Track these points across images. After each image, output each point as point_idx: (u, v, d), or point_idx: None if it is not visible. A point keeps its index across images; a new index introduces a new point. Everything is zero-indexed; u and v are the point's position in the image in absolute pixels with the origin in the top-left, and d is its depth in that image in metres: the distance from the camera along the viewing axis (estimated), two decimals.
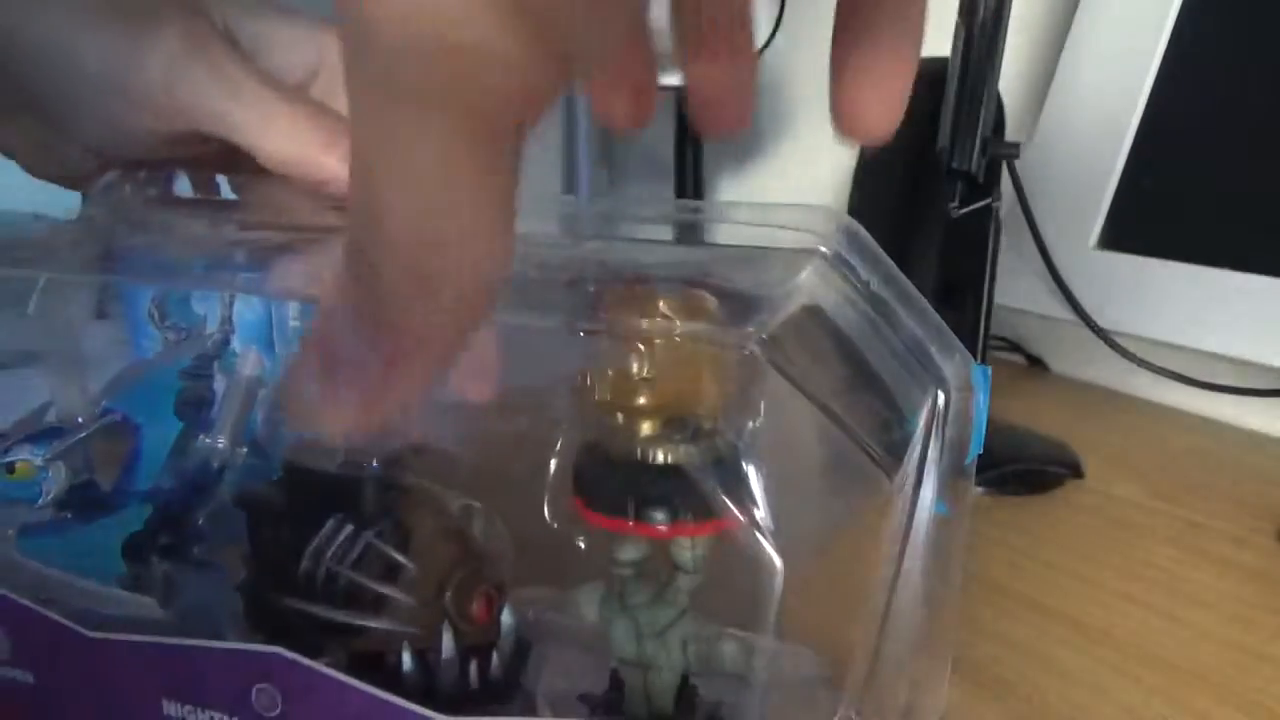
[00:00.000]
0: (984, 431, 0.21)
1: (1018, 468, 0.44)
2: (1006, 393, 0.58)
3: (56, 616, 0.22)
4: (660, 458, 0.19)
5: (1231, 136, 0.49)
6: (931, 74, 0.49)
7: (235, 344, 0.25)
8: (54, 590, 0.23)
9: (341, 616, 0.21)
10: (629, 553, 0.21)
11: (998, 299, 0.50)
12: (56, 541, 0.24)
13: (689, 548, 0.21)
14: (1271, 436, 0.54)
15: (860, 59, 0.18)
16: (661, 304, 0.18)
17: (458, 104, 0.10)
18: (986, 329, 0.49)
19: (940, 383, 0.21)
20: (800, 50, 0.82)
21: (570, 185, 0.91)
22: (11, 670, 0.24)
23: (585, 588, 0.22)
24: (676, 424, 0.20)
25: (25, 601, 0.23)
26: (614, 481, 0.20)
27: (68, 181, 0.27)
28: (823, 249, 0.20)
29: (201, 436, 0.24)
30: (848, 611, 0.21)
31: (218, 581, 0.24)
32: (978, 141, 0.44)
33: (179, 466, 0.24)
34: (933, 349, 0.21)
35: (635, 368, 0.19)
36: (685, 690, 0.22)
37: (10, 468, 0.23)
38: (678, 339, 0.18)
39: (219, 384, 0.25)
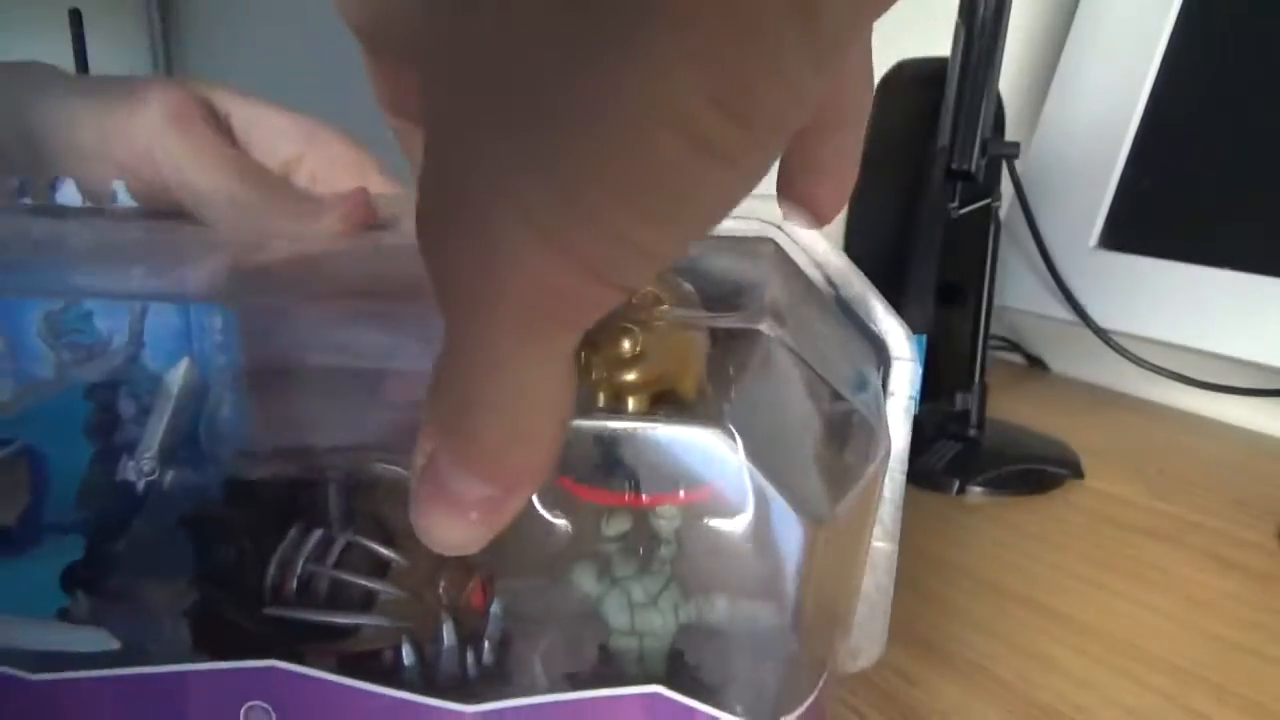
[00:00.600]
0: (919, 397, 0.23)
1: (1018, 468, 0.44)
2: (1006, 393, 0.58)
3: None
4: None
5: (1231, 136, 0.49)
6: (931, 74, 0.50)
7: (146, 359, 0.23)
8: None
9: (337, 618, 0.21)
10: (616, 527, 0.22)
11: (998, 299, 0.50)
12: None
13: (669, 518, 0.21)
14: (1271, 436, 0.54)
15: (808, 181, 0.20)
16: (650, 286, 0.20)
17: (556, 331, 0.12)
18: (986, 329, 0.49)
19: (883, 352, 0.22)
20: None
21: None
22: None
23: (578, 566, 0.22)
24: (663, 400, 0.20)
25: None
26: (602, 455, 0.20)
27: None
28: (773, 235, 0.22)
29: (125, 458, 0.22)
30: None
31: (142, 614, 0.22)
32: (978, 141, 0.44)
33: (97, 493, 0.22)
34: (875, 322, 0.22)
35: (626, 346, 0.19)
36: (674, 655, 0.22)
37: None
38: (679, 321, 0.20)
39: (126, 404, 0.23)
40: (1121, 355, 0.52)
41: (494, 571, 0.22)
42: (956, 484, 0.44)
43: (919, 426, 0.26)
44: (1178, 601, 0.34)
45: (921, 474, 0.45)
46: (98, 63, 0.61)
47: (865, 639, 0.24)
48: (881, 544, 0.23)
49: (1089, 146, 0.54)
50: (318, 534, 0.21)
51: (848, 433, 0.21)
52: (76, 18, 0.62)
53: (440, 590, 0.22)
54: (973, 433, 0.47)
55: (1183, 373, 0.52)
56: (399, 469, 0.22)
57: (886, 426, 0.22)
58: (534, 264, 0.10)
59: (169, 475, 0.22)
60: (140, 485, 0.21)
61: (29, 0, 1.48)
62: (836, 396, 0.21)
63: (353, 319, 0.23)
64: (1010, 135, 0.56)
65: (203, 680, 0.20)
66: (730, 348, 0.21)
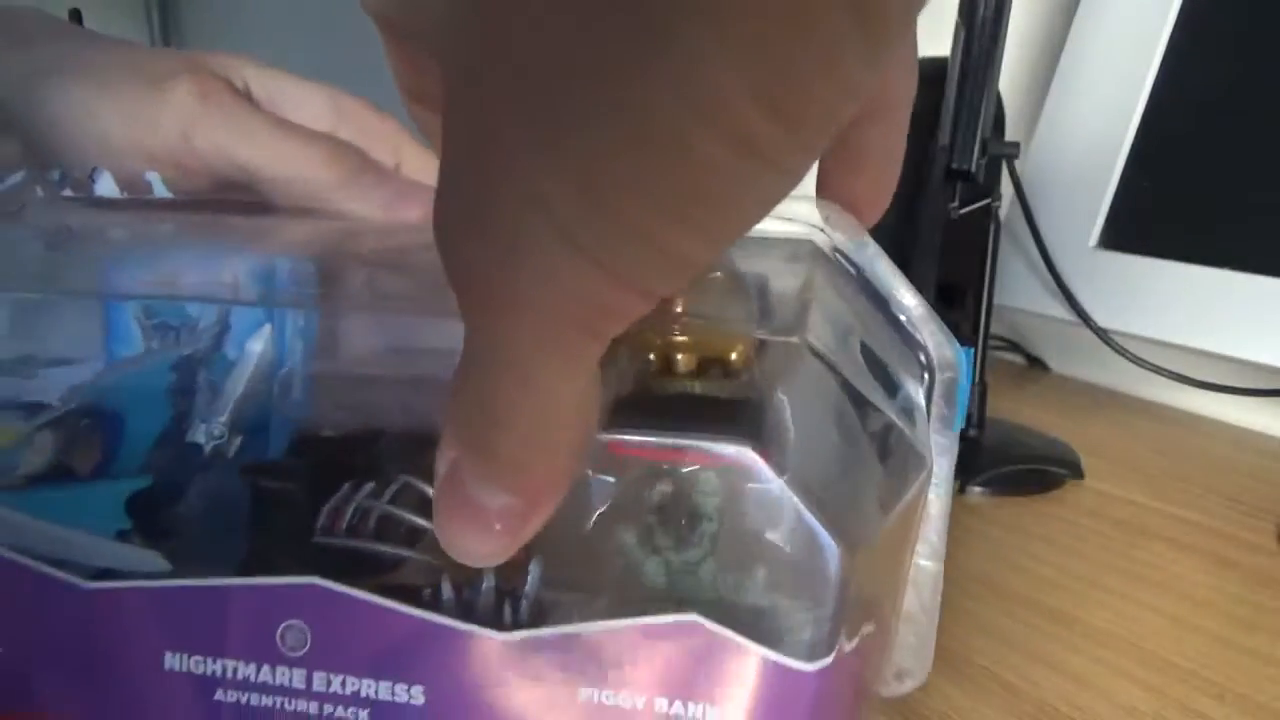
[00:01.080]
0: (965, 411, 0.22)
1: (1018, 468, 0.44)
2: (1006, 393, 0.58)
3: (46, 569, 0.21)
4: (697, 388, 0.20)
5: (1231, 136, 0.49)
6: (931, 74, 0.49)
7: (228, 348, 0.25)
8: (40, 544, 0.22)
9: (381, 547, 0.22)
10: (659, 493, 0.22)
11: (998, 299, 0.50)
12: (49, 495, 0.23)
13: (713, 494, 0.21)
14: (1271, 436, 0.54)
15: (847, 176, 0.20)
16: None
17: (584, 341, 0.11)
18: (986, 329, 0.49)
19: (928, 363, 0.22)
20: None
21: None
22: None
23: (621, 527, 0.22)
24: (711, 364, 0.21)
25: (14, 556, 0.21)
26: (655, 410, 0.20)
27: None
28: (815, 239, 0.21)
29: (198, 422, 0.23)
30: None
31: (203, 556, 0.23)
32: (978, 141, 0.44)
33: (167, 454, 0.24)
34: (919, 331, 0.22)
35: (678, 303, 0.20)
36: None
37: None
38: (720, 323, 0.20)
39: (204, 378, 0.24)
40: (1121, 355, 0.52)
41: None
42: (957, 484, 0.44)
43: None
44: (1178, 601, 0.34)
45: None
46: None
47: (911, 660, 0.23)
48: (927, 563, 0.23)
49: (1089, 146, 0.54)
50: (369, 486, 0.22)
51: (889, 450, 0.21)
52: (76, 18, 0.62)
53: None
54: (973, 433, 0.47)
55: (1183, 373, 0.52)
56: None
57: (929, 445, 0.21)
58: (563, 272, 0.10)
59: (236, 441, 0.23)
60: (208, 448, 0.23)
61: (29, 1, 1.48)
62: (876, 412, 0.20)
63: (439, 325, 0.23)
64: (1010, 135, 0.56)
65: (244, 595, 0.21)
66: (765, 356, 0.20)
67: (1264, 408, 0.53)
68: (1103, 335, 0.52)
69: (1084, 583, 0.35)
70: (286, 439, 0.24)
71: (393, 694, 0.21)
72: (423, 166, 0.28)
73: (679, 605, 0.21)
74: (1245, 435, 0.54)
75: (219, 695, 0.22)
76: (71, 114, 0.25)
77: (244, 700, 0.21)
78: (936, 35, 0.49)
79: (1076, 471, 0.45)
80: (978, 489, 0.43)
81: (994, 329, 0.50)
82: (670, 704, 0.20)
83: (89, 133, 0.26)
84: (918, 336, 0.22)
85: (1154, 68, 0.51)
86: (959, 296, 0.58)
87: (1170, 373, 0.52)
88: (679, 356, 0.21)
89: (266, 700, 0.21)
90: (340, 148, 0.26)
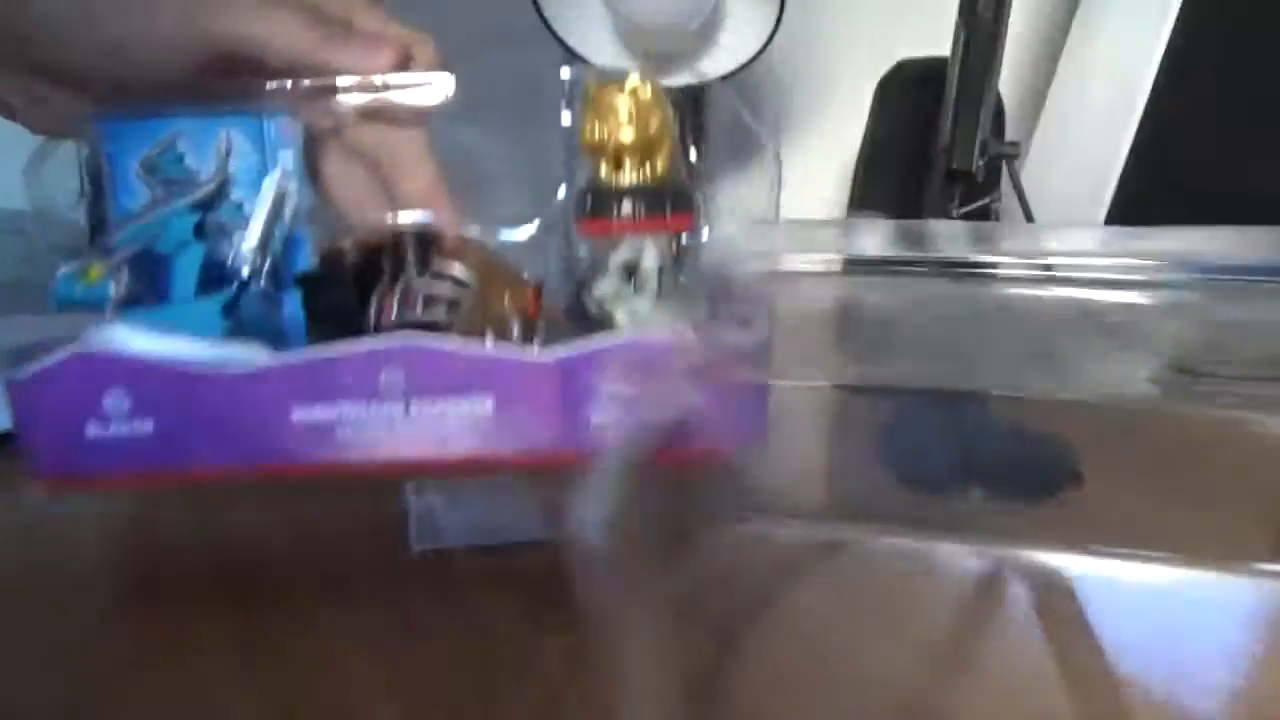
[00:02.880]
0: None
1: (1018, 468, 0.44)
2: None
3: (185, 366, 0.27)
4: (633, 180, 0.31)
5: (1232, 136, 0.49)
6: (931, 74, 0.50)
7: (232, 192, 0.29)
8: (175, 347, 0.27)
9: (431, 318, 0.28)
10: (618, 258, 0.31)
11: None
12: (158, 314, 0.27)
13: (651, 260, 0.31)
14: (1272, 436, 0.54)
15: None
16: (636, 77, 0.30)
17: None
18: None
19: None
20: (800, 50, 0.83)
21: (570, 184, 0.91)
22: (132, 423, 0.27)
23: (601, 279, 0.31)
24: (644, 166, 0.31)
25: (152, 357, 0.27)
26: (604, 199, 0.31)
27: (66, 134, 0.30)
28: None
29: (231, 251, 0.28)
30: None
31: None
32: (978, 141, 0.44)
33: (214, 279, 0.28)
34: None
35: (623, 113, 0.30)
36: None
37: (85, 271, 0.27)
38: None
39: (225, 213, 0.29)
40: (1119, 350, 0.52)
41: (540, 288, 0.31)
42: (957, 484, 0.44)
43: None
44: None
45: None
46: None
47: None
48: None
49: (1089, 146, 0.54)
50: (403, 279, 0.29)
51: None
52: None
53: (505, 300, 0.30)
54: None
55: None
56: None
57: None
58: None
59: (268, 261, 0.28)
60: (245, 270, 0.28)
61: None
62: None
63: None
64: (1010, 135, 0.56)
65: (349, 357, 0.27)
66: None
67: (1264, 407, 0.53)
68: (1102, 335, 0.52)
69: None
70: (309, 254, 0.30)
71: (469, 408, 0.28)
72: (374, 20, 0.31)
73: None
74: (1245, 435, 0.54)
75: (340, 432, 0.28)
76: (70, 11, 0.27)
77: (361, 434, 0.28)
78: (936, 35, 0.49)
79: (1077, 472, 0.45)
80: (977, 490, 0.43)
81: None
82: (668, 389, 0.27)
83: (87, 28, 0.27)
84: None
85: (1154, 67, 0.51)
86: None
87: (1170, 370, 0.52)
88: (626, 160, 0.31)
89: (380, 429, 0.28)
90: (315, 11, 0.29)
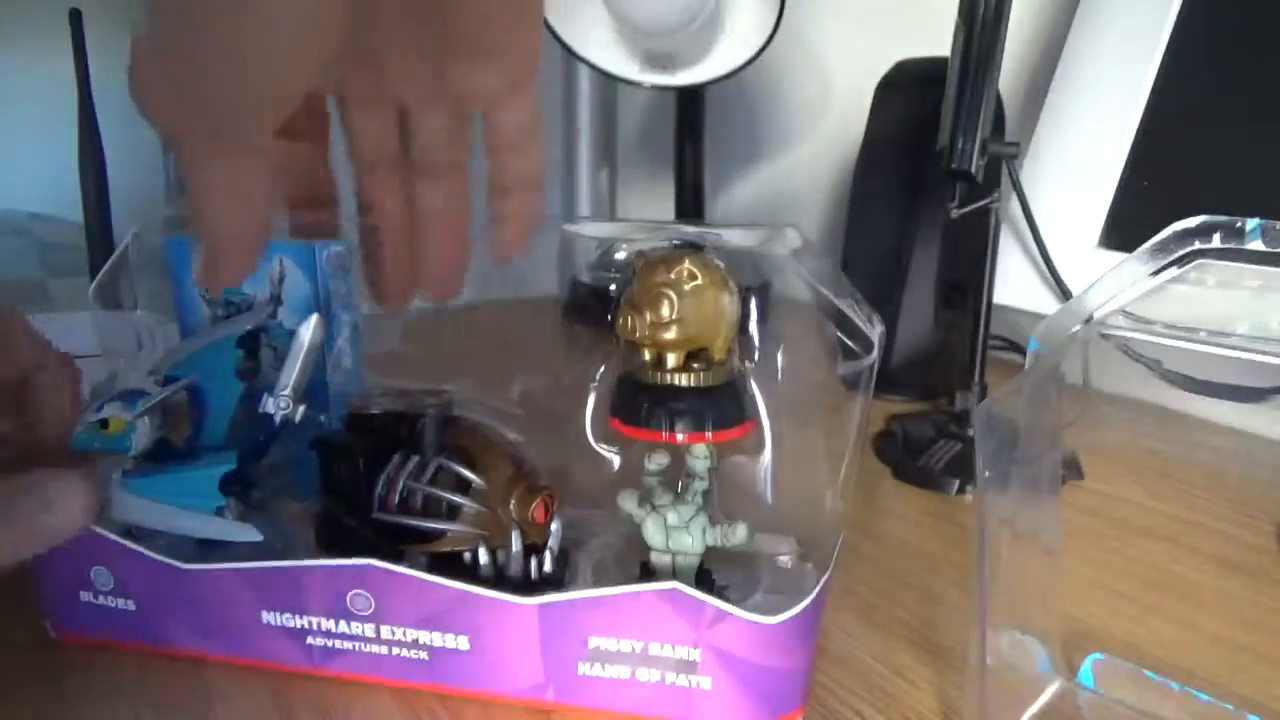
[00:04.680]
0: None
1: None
2: None
3: (153, 554, 0.27)
4: (685, 382, 0.26)
5: (1231, 136, 0.49)
6: (931, 74, 0.49)
7: (281, 316, 0.29)
8: (158, 521, 0.27)
9: (427, 523, 0.26)
10: (656, 464, 0.27)
11: (998, 299, 0.50)
12: (158, 481, 0.27)
13: (702, 457, 0.27)
14: (1271, 438, 0.54)
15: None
16: (686, 262, 0.25)
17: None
18: (986, 329, 0.49)
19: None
20: (800, 50, 0.83)
21: (570, 185, 0.91)
22: (115, 598, 0.28)
23: (624, 492, 0.28)
24: (694, 356, 0.27)
25: (125, 542, 0.27)
26: (649, 404, 0.26)
27: None
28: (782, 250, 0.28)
29: (265, 396, 0.27)
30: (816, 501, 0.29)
31: (274, 520, 0.28)
32: (978, 141, 0.44)
33: (245, 423, 0.28)
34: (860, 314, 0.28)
35: (665, 310, 0.25)
36: (702, 573, 0.28)
37: (104, 423, 0.27)
38: (704, 280, 0.26)
39: (266, 352, 0.29)
40: (1123, 354, 0.52)
41: (556, 493, 0.28)
42: (956, 484, 0.44)
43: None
44: (1178, 601, 0.34)
45: (921, 474, 0.45)
46: (98, 62, 0.61)
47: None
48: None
49: (1089, 146, 0.54)
50: (416, 459, 0.27)
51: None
52: (76, 18, 0.62)
53: (510, 506, 0.27)
54: (972, 433, 0.47)
55: (1183, 373, 0.51)
56: (479, 417, 0.29)
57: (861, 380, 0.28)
58: None
59: (300, 410, 0.27)
60: (277, 418, 0.27)
61: (29, 0, 1.48)
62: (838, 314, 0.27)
63: None
64: (1010, 135, 0.56)
65: (316, 574, 0.26)
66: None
67: (1264, 409, 0.53)
68: (1103, 335, 0.52)
69: (1084, 583, 0.35)
70: (341, 407, 0.29)
71: (444, 641, 0.26)
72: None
73: (674, 557, 0.27)
74: (1245, 436, 0.54)
75: (310, 640, 0.27)
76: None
77: (330, 644, 0.27)
78: (936, 35, 0.49)
79: (1076, 472, 0.45)
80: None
81: (994, 329, 0.50)
82: (661, 647, 0.25)
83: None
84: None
85: (1154, 67, 0.51)
86: (959, 296, 0.58)
87: (1171, 373, 0.52)
88: (669, 355, 0.26)
89: (347, 644, 0.27)
90: None
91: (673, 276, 0.25)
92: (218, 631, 0.28)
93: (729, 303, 0.26)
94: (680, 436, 0.26)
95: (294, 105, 0.21)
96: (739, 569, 0.29)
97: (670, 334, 0.25)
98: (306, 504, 0.29)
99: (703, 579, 0.28)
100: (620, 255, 0.28)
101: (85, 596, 0.29)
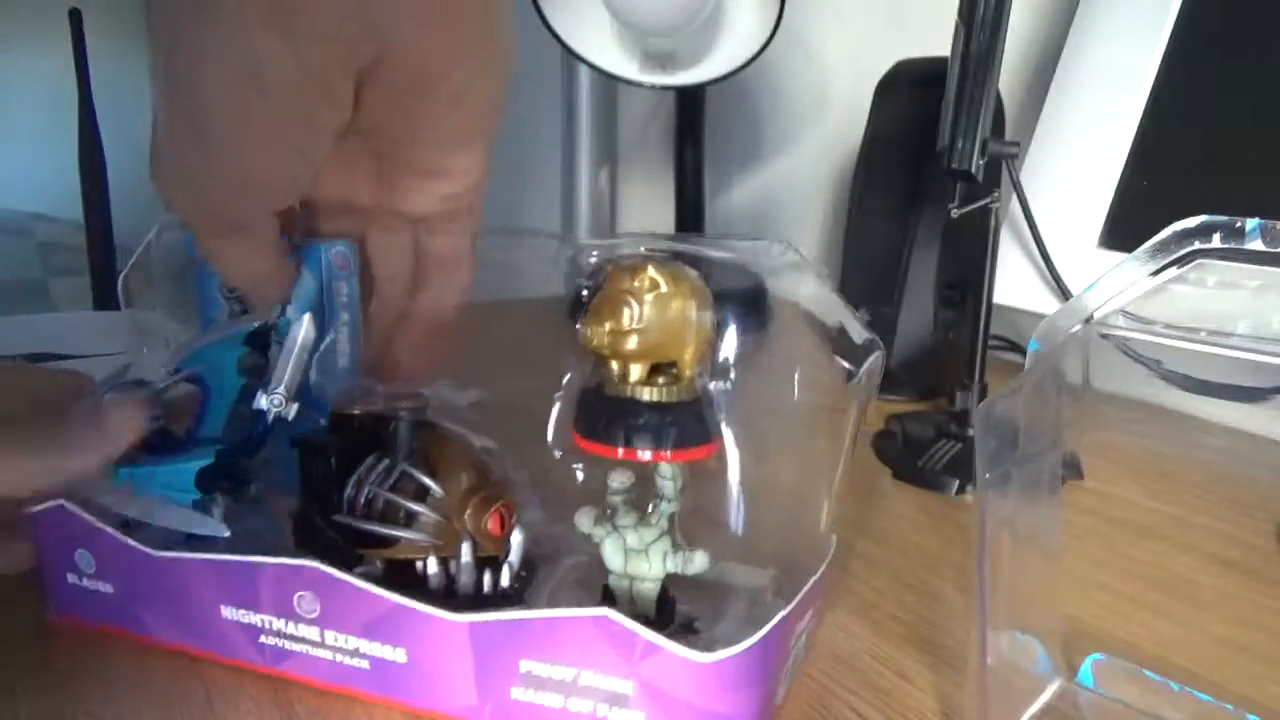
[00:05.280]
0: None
1: None
2: None
3: (127, 539, 0.28)
4: (646, 396, 0.25)
5: (1231, 136, 0.49)
6: (931, 74, 0.49)
7: (290, 313, 0.29)
8: (141, 510, 0.28)
9: (379, 529, 0.26)
10: (619, 482, 0.26)
11: (998, 299, 0.50)
12: (140, 472, 0.28)
13: (669, 478, 0.26)
14: (1271, 438, 0.54)
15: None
16: (650, 269, 0.24)
17: None
18: (986, 329, 0.49)
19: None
20: (800, 50, 0.83)
21: (570, 185, 0.91)
22: (96, 581, 0.29)
23: (582, 510, 0.27)
24: (660, 370, 0.25)
25: (104, 527, 0.28)
26: (607, 417, 0.25)
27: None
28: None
29: (260, 393, 0.27)
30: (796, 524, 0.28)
31: (267, 515, 0.29)
32: (977, 141, 0.44)
33: (241, 418, 0.28)
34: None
35: (625, 319, 0.24)
36: (665, 600, 0.27)
37: None
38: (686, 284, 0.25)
39: (274, 349, 0.29)
40: (1123, 354, 0.52)
41: (513, 505, 0.27)
42: (956, 484, 0.44)
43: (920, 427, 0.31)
44: (1178, 601, 0.34)
45: (921, 474, 0.45)
46: (98, 62, 0.61)
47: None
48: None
49: (1089, 146, 0.54)
50: (385, 462, 0.27)
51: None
52: (76, 18, 0.62)
53: (465, 517, 0.26)
54: (972, 433, 0.47)
55: (1183, 373, 0.51)
56: (452, 425, 0.28)
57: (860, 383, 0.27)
58: None
59: (294, 408, 0.28)
60: (270, 415, 0.27)
61: (29, 0, 1.48)
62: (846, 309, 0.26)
63: None
64: (1010, 135, 0.56)
65: (267, 571, 0.26)
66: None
67: (1264, 409, 0.53)
68: (1103, 335, 0.52)
69: (1083, 583, 0.35)
70: (326, 405, 0.29)
71: (383, 653, 0.26)
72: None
73: (632, 582, 0.26)
74: (1245, 436, 0.54)
75: (263, 639, 0.27)
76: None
77: (280, 645, 0.27)
78: (937, 35, 0.49)
79: (1076, 472, 0.45)
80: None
81: (994, 329, 0.50)
82: (593, 676, 0.24)
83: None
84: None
85: (1154, 67, 0.51)
86: (959, 296, 0.58)
87: (1170, 373, 0.52)
88: (632, 366, 0.25)
89: (296, 646, 0.27)
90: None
91: (635, 284, 0.24)
92: (183, 622, 0.28)
93: (699, 315, 0.25)
94: (642, 454, 0.25)
95: (285, 205, 0.26)
96: (711, 599, 0.28)
97: (630, 344, 0.24)
98: (291, 499, 0.29)
99: (664, 607, 0.26)
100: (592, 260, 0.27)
101: (72, 579, 0.29)
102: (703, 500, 0.26)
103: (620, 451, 0.25)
